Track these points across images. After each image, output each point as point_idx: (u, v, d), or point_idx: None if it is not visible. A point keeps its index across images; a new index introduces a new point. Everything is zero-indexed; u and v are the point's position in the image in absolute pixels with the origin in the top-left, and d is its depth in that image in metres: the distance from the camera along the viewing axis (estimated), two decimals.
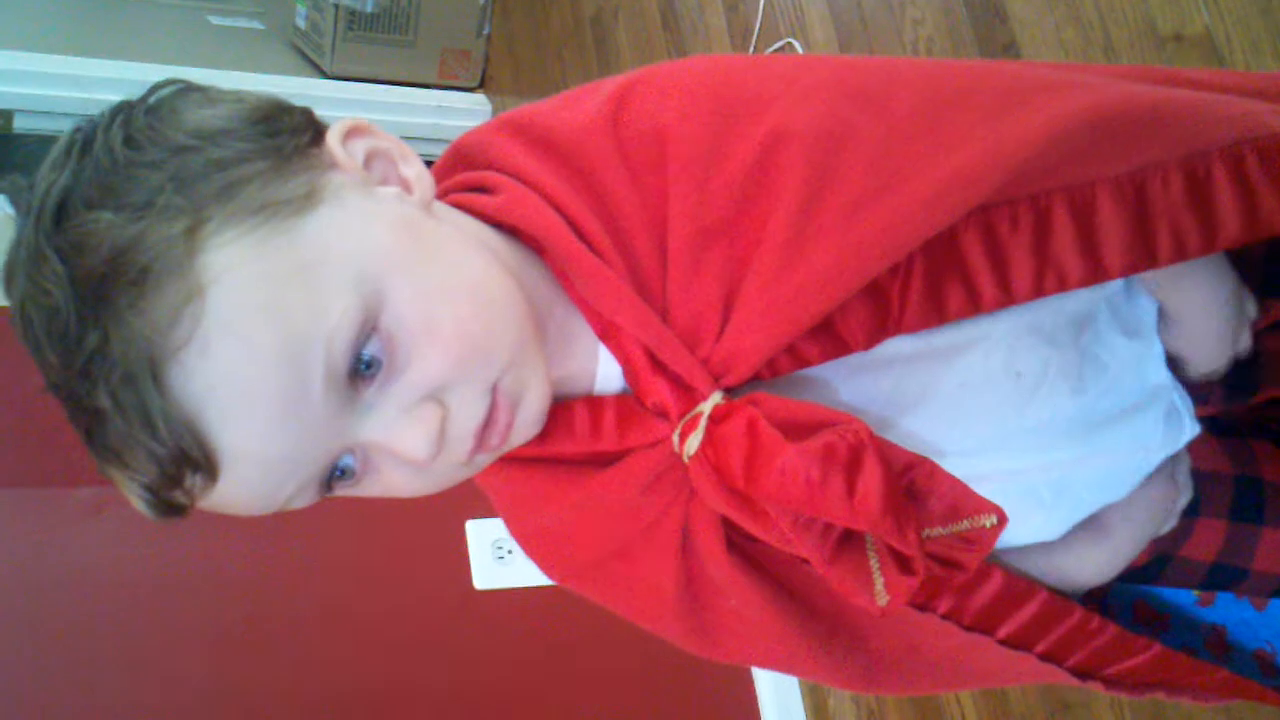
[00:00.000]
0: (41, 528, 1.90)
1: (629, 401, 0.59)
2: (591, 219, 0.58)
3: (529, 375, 0.56)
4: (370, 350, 0.52)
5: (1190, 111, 0.60)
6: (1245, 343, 0.69)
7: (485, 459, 0.58)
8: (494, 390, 0.55)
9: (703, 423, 0.56)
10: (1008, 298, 0.58)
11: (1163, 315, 0.68)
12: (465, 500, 0.63)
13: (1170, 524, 0.71)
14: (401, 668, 1.92)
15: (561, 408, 0.60)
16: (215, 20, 3.12)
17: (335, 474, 0.55)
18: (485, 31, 3.09)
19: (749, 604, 0.63)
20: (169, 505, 0.53)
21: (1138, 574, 0.71)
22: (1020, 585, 0.65)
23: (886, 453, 0.54)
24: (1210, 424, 0.70)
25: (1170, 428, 0.68)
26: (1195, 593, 0.84)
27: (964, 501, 0.55)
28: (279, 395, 0.50)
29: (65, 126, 0.55)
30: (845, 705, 1.98)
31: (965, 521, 0.55)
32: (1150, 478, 0.69)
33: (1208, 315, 0.66)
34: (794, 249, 0.55)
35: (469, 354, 0.54)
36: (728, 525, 0.60)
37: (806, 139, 0.56)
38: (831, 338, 0.57)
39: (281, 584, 1.96)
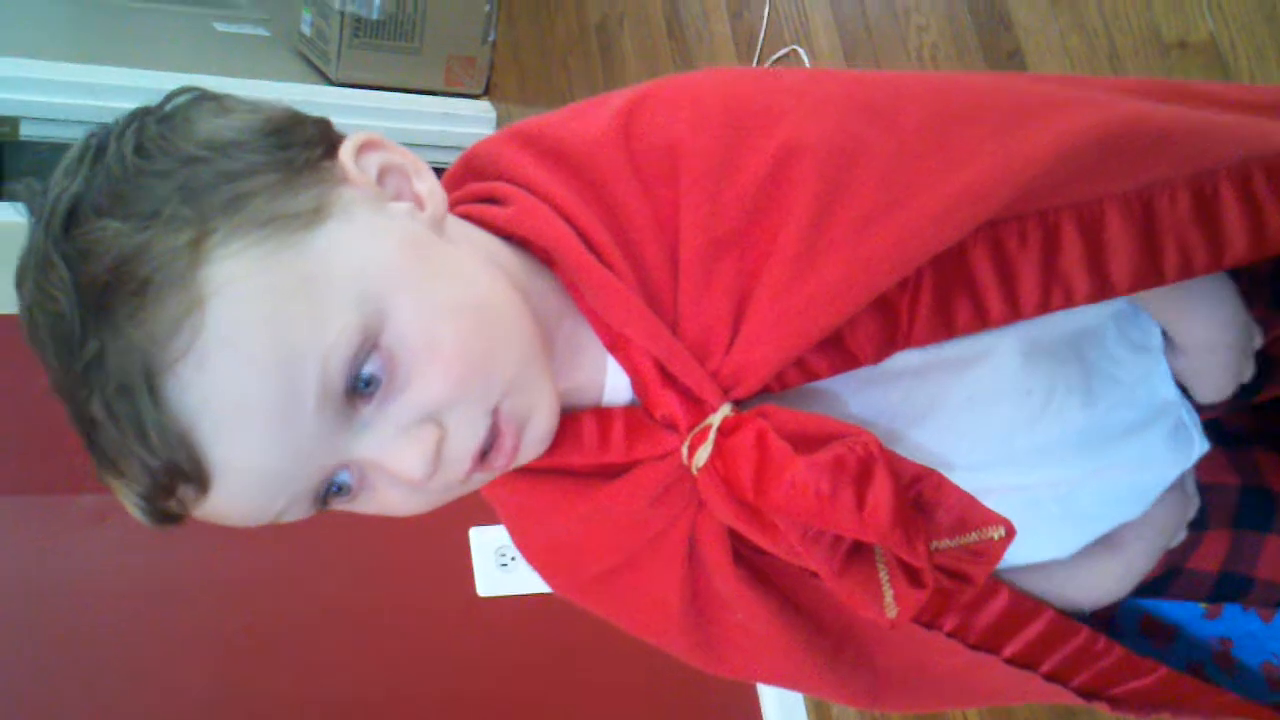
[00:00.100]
0: (45, 535, 1.90)
1: (637, 413, 0.59)
2: (602, 230, 0.58)
3: (535, 396, 0.56)
4: (370, 368, 0.52)
5: (1198, 129, 0.60)
6: (1249, 372, 0.69)
7: (482, 478, 0.58)
8: (495, 413, 0.55)
9: (712, 435, 0.56)
10: (1015, 313, 0.58)
11: (1170, 344, 0.68)
12: (469, 507, 0.63)
13: (1180, 536, 0.71)
14: (404, 675, 1.92)
15: (569, 419, 0.60)
16: (221, 27, 3.12)
17: (332, 490, 0.55)
18: (491, 38, 3.10)
19: (755, 618, 0.62)
20: (163, 514, 0.53)
21: (1147, 588, 0.71)
22: (1026, 604, 0.65)
23: (895, 465, 0.54)
24: (1214, 434, 0.70)
25: (1179, 443, 0.68)
26: (1202, 605, 0.83)
27: (972, 514, 0.55)
28: (272, 410, 0.50)
29: (72, 133, 0.55)
30: (849, 714, 1.98)
31: (973, 534, 0.55)
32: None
33: (1214, 350, 0.66)
34: (804, 262, 0.55)
35: (470, 375, 0.54)
36: (735, 538, 0.60)
37: (819, 153, 0.56)
38: (840, 351, 0.57)
39: (284, 591, 1.96)
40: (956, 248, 0.56)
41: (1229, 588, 0.78)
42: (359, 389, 0.52)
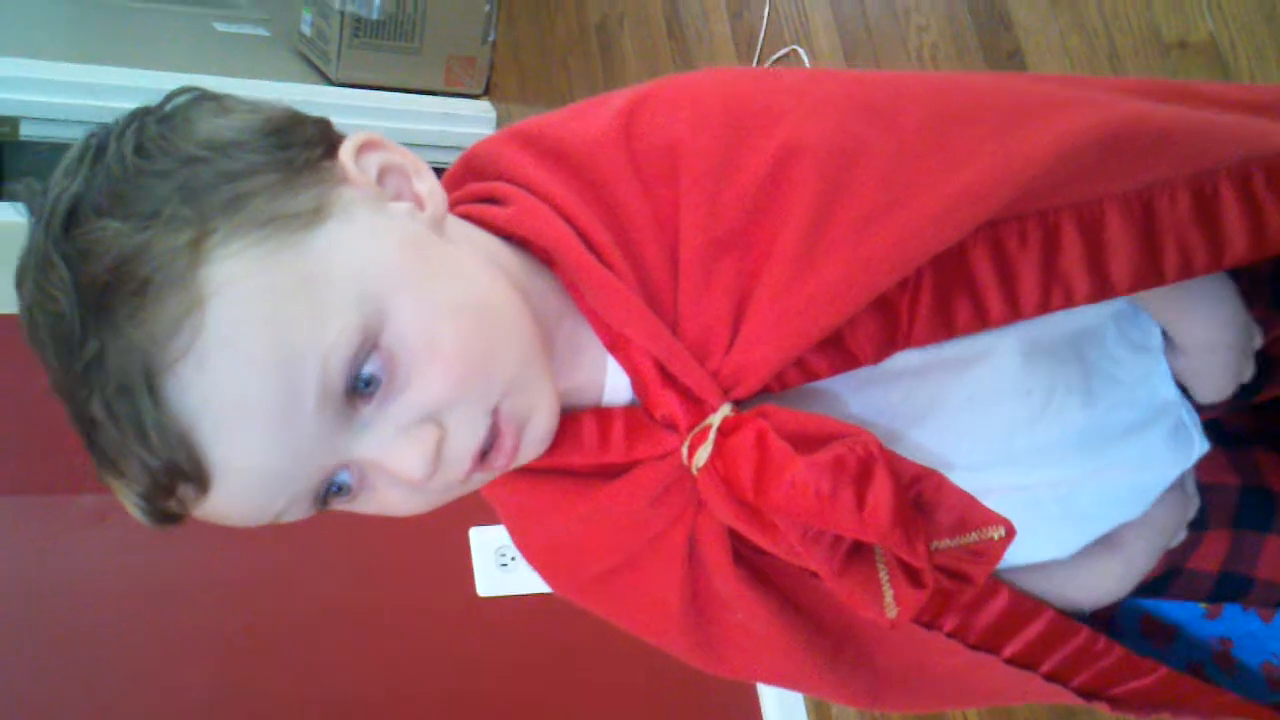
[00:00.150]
0: (45, 535, 1.90)
1: (637, 413, 0.59)
2: (602, 230, 0.58)
3: (535, 396, 0.56)
4: (370, 368, 0.52)
5: (1199, 129, 0.60)
6: (1248, 374, 0.69)
7: (482, 478, 0.58)
8: (495, 413, 0.55)
9: (712, 435, 0.56)
10: (1015, 313, 0.58)
11: (1170, 344, 0.68)
12: (469, 507, 0.63)
13: (1180, 536, 0.71)
14: (404, 675, 1.92)
15: (569, 419, 0.60)
16: (221, 27, 3.12)
17: (332, 490, 0.55)
18: (491, 38, 3.10)
19: (755, 618, 0.63)
20: (163, 514, 0.53)
21: (1147, 588, 0.71)
22: (1026, 604, 0.65)
23: (895, 465, 0.54)
24: (1214, 434, 0.70)
25: (1179, 443, 0.68)
26: (1202, 605, 0.83)
27: (972, 514, 0.55)
28: (272, 410, 0.50)
29: (72, 134, 0.55)
30: (849, 714, 1.98)
31: (973, 534, 0.55)
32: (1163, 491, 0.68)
33: (1214, 350, 0.66)
34: (804, 262, 0.55)
35: (470, 375, 0.54)
36: (735, 538, 0.60)
37: (819, 153, 0.56)
38: (840, 351, 0.57)
39: (284, 591, 1.96)
40: (956, 248, 0.56)
41: (1229, 588, 0.79)
42: (359, 389, 0.52)
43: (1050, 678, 0.67)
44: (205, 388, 0.49)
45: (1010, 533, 0.54)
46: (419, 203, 0.58)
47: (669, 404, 0.57)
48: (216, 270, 0.49)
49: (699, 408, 0.57)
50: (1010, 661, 0.66)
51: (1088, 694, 0.68)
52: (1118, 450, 0.66)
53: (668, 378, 0.57)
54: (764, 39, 2.18)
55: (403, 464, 0.53)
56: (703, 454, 0.56)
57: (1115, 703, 0.68)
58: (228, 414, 0.50)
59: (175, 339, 0.49)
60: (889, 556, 0.55)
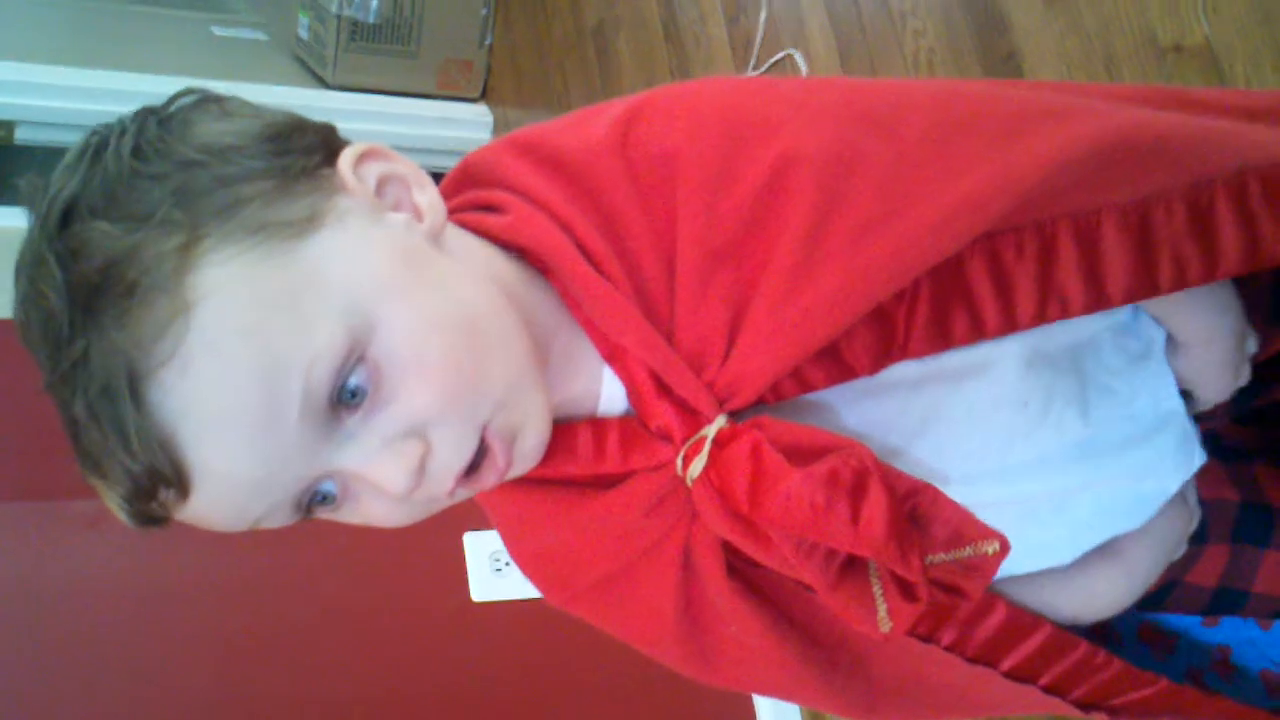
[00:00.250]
0: (41, 540, 1.90)
1: (633, 424, 0.59)
2: (599, 240, 0.57)
3: (526, 411, 0.56)
4: (356, 379, 0.52)
5: (1196, 139, 0.60)
6: (1245, 376, 0.69)
7: (466, 493, 0.58)
8: (484, 430, 0.55)
9: (707, 446, 0.56)
10: (1011, 324, 0.58)
11: (1170, 342, 0.68)
12: (464, 513, 0.63)
13: (1181, 549, 0.71)
14: (398, 678, 1.92)
15: (564, 429, 0.60)
16: (218, 31, 3.12)
17: (316, 499, 0.55)
18: (487, 42, 3.09)
19: (749, 630, 0.62)
20: (146, 516, 0.53)
21: (1144, 601, 0.71)
22: (1025, 618, 0.65)
23: (890, 479, 0.54)
24: (1214, 448, 0.70)
25: (1181, 454, 0.68)
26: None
27: (967, 528, 0.55)
28: (255, 419, 0.50)
29: (68, 138, 0.55)
30: None
31: (968, 548, 0.55)
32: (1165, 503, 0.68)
33: (1211, 343, 0.66)
34: (801, 273, 0.55)
35: (457, 390, 0.53)
36: (729, 550, 0.60)
37: (816, 163, 0.56)
38: (836, 362, 0.57)
39: (279, 595, 1.96)
40: (954, 258, 0.56)
41: (1225, 601, 0.78)
42: (344, 400, 0.52)
43: (1049, 690, 0.66)
44: (188, 394, 0.49)
45: (1005, 548, 0.54)
46: (418, 214, 0.57)
47: (664, 415, 0.57)
48: (204, 276, 0.49)
49: (694, 419, 0.57)
50: (1009, 675, 0.66)
51: (1087, 706, 0.68)
52: (1117, 461, 0.65)
53: (663, 388, 0.57)
54: (760, 43, 2.18)
55: (385, 477, 0.53)
56: (697, 465, 0.56)
57: (1114, 713, 0.68)
58: (210, 421, 0.50)
59: (160, 343, 0.48)
60: (883, 570, 0.55)
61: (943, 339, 0.57)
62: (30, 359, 0.53)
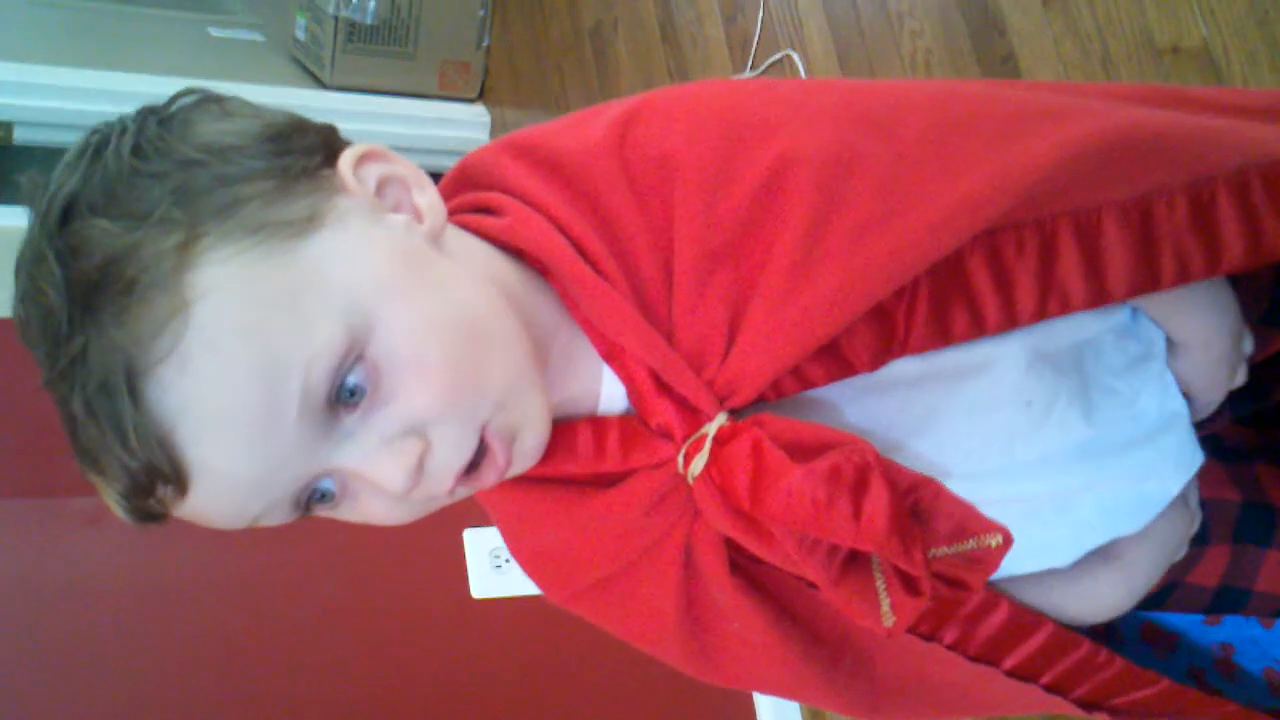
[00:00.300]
0: (42, 537, 1.90)
1: (633, 422, 0.59)
2: (596, 241, 0.58)
3: (526, 411, 0.56)
4: (355, 378, 0.52)
5: (1196, 137, 0.60)
6: (1242, 377, 0.69)
7: (465, 492, 0.58)
8: (483, 430, 0.55)
9: (708, 444, 0.56)
10: (1012, 321, 0.58)
11: (1170, 346, 0.68)
12: (464, 509, 0.63)
13: (1182, 552, 0.71)
14: (398, 675, 1.92)
15: (565, 428, 0.60)
16: (215, 32, 3.12)
17: (314, 497, 0.55)
18: (485, 43, 3.09)
19: (751, 627, 0.62)
20: (144, 512, 0.53)
21: (1146, 601, 0.71)
22: (1027, 617, 0.65)
23: (892, 474, 0.54)
24: (1215, 450, 0.70)
25: (1182, 455, 0.68)
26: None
27: (970, 521, 0.55)
28: (253, 416, 0.50)
29: (66, 139, 0.55)
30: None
31: (971, 541, 0.55)
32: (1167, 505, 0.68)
33: (1210, 344, 0.66)
34: (800, 272, 0.55)
35: (456, 390, 0.54)
36: (731, 547, 0.60)
37: (814, 164, 0.56)
38: (837, 359, 0.57)
39: (279, 592, 1.96)
40: (953, 256, 0.56)
41: (1227, 600, 0.79)
42: (343, 399, 0.52)
43: (1051, 689, 0.67)
44: (186, 391, 0.49)
45: (1008, 540, 0.54)
46: (418, 215, 0.57)
47: (664, 413, 0.57)
48: (203, 275, 0.50)
49: (694, 417, 0.57)
50: (1011, 674, 0.66)
51: (1089, 705, 0.68)
52: (1120, 462, 0.65)
53: (663, 387, 0.57)
54: (758, 44, 2.18)
55: (383, 475, 0.53)
56: (698, 463, 0.56)
57: (1116, 713, 0.69)
58: (208, 419, 0.50)
59: (158, 341, 0.49)
60: (886, 565, 0.55)
61: (943, 335, 0.57)
62: (30, 357, 0.53)
